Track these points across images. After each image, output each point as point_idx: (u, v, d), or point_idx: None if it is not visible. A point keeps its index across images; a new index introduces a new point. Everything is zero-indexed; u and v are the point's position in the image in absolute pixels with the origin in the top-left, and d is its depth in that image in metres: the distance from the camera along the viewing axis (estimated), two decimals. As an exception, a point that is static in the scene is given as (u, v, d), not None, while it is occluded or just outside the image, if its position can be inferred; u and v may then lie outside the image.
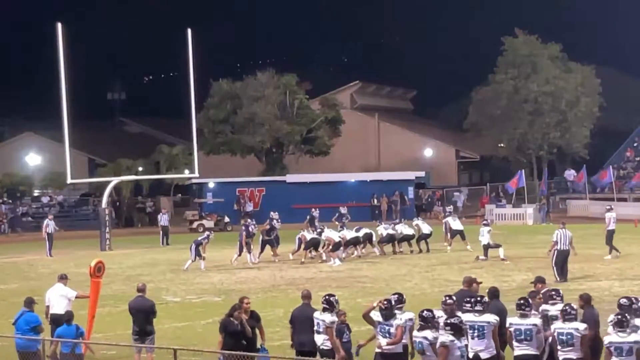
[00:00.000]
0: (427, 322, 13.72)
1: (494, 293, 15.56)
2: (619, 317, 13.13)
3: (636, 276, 28.28)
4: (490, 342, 14.06)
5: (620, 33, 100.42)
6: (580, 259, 30.11)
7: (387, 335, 14.14)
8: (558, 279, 26.79)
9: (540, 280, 16.65)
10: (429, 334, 13.58)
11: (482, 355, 14.03)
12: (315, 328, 14.96)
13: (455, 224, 37.46)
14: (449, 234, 37.44)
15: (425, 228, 37.53)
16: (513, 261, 32.83)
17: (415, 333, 13.92)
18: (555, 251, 27.58)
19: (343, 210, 45.73)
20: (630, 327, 13.03)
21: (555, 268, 27.30)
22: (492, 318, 14.19)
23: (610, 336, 13.05)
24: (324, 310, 15.02)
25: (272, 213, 37.69)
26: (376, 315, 14.41)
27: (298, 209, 52.30)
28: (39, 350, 15.96)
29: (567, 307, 13.81)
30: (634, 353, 12.80)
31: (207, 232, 35.27)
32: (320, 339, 14.89)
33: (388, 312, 14.24)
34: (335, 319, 14.95)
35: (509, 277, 28.73)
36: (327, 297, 15.23)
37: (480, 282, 16.91)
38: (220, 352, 15.08)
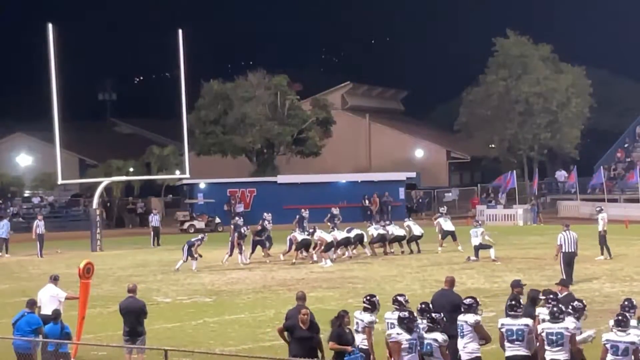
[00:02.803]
0: (437, 323, 13.69)
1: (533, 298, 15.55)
2: (620, 316, 13.26)
3: (626, 277, 28.34)
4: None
5: (611, 34, 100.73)
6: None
7: (419, 346, 13.62)
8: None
9: (563, 283, 16.77)
10: (438, 336, 13.50)
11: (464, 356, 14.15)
12: (354, 327, 14.86)
13: (447, 224, 37.45)
14: (439, 235, 37.45)
15: (417, 229, 37.50)
16: (504, 262, 32.87)
17: (422, 334, 13.86)
18: (561, 254, 27.18)
19: (335, 211, 45.77)
20: (630, 327, 13.18)
21: (563, 271, 26.95)
22: (472, 319, 14.24)
23: (608, 334, 13.17)
24: (365, 310, 14.96)
25: (265, 214, 37.79)
26: (396, 333, 13.80)
27: (289, 209, 52.29)
28: (36, 352, 15.97)
29: (555, 308, 13.84)
30: (630, 353, 12.91)
31: (201, 235, 35.24)
32: (359, 338, 14.76)
33: (410, 324, 13.62)
34: (374, 319, 14.84)
35: (499, 278, 28.76)
36: (369, 297, 15.14)
37: (525, 285, 16.63)
38: (207, 352, 14.98)
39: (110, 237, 49.09)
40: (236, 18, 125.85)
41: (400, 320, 13.57)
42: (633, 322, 13.53)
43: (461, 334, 14.27)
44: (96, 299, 23.93)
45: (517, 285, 16.32)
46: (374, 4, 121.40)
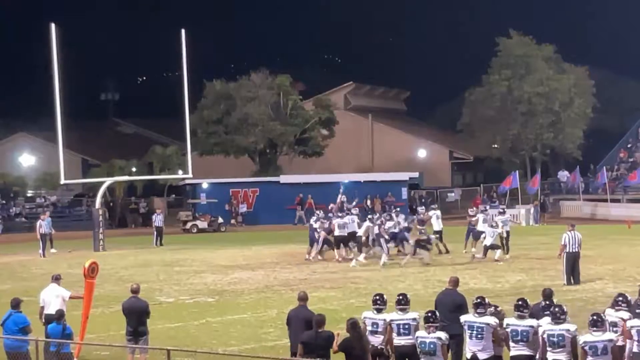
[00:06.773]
0: (440, 322, 13.71)
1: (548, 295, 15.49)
2: (594, 317, 13.28)
3: (629, 277, 28.30)
4: (488, 343, 14.09)
5: (614, 34, 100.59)
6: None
7: (429, 349, 13.71)
8: (566, 282, 26.67)
9: None
10: (442, 334, 13.55)
11: (480, 355, 14.06)
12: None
13: (481, 225, 37.17)
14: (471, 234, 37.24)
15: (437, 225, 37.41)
16: (506, 262, 32.83)
17: (423, 333, 13.87)
18: (565, 254, 27.24)
19: (354, 210, 45.76)
20: (605, 325, 13.27)
21: (565, 271, 27.04)
22: (492, 320, 14.20)
23: (585, 336, 13.16)
24: (402, 310, 14.80)
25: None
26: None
27: (292, 209, 52.31)
28: (28, 351, 15.95)
29: (557, 309, 13.80)
30: (609, 351, 12.95)
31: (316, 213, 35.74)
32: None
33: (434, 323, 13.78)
34: (416, 315, 14.72)
35: (502, 278, 28.75)
36: (403, 295, 14.96)
37: None
38: (210, 352, 14.96)
39: (112, 237, 49.03)
40: (239, 18, 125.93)
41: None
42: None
43: (480, 335, 14.13)
44: (98, 298, 23.89)
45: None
46: (376, 4, 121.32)
